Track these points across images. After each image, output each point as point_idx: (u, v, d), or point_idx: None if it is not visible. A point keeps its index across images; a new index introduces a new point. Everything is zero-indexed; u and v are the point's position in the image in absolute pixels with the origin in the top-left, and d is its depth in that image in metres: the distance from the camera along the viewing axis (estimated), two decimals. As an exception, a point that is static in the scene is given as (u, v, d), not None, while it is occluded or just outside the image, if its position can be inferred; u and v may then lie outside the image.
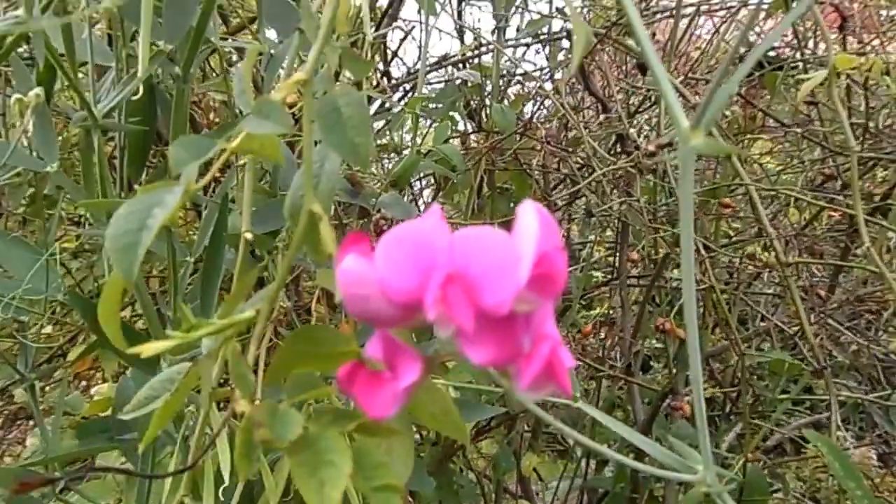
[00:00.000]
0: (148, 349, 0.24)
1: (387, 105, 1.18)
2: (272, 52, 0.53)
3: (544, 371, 0.18)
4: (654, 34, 1.40)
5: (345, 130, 0.24)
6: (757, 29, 1.39)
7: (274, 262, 0.58)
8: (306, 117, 0.24)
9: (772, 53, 1.28)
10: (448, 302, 0.18)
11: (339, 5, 0.25)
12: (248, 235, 0.30)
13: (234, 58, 0.99)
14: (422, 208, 1.40)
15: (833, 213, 1.26)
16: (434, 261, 0.19)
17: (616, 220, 1.12)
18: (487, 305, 0.18)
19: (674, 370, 1.15)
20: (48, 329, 1.05)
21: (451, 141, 1.24)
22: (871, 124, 1.18)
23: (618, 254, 1.13)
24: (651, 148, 0.86)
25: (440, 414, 0.27)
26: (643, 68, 0.88)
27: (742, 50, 1.31)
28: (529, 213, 0.18)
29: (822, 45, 1.41)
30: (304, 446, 0.21)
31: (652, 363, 1.44)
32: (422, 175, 1.34)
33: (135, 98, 0.40)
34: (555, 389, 0.19)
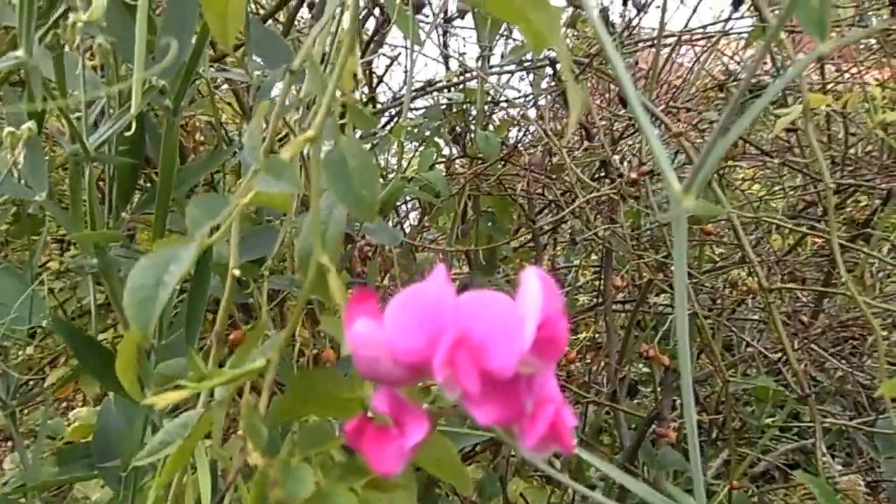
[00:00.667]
0: (162, 400, 0.24)
1: (372, 130, 1.19)
2: (261, 81, 0.53)
3: (549, 432, 0.19)
4: (636, 62, 1.43)
5: (351, 182, 0.25)
6: (736, 58, 1.42)
7: (259, 289, 0.58)
8: (314, 170, 0.24)
9: (752, 80, 1.31)
10: (455, 365, 0.18)
11: (345, 63, 0.25)
12: (237, 272, 0.30)
13: (220, 79, 1.00)
14: (407, 230, 1.40)
15: (817, 239, 1.29)
16: (441, 324, 0.19)
17: (600, 246, 1.13)
18: (493, 368, 0.18)
19: (660, 396, 1.16)
20: (29, 350, 1.04)
21: (436, 166, 1.25)
22: (852, 151, 1.21)
23: (602, 279, 1.15)
24: (633, 176, 0.87)
25: (443, 461, 0.27)
26: (624, 101, 0.90)
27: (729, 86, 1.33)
28: (533, 279, 0.19)
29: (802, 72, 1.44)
30: (316, 502, 0.21)
31: (640, 387, 1.45)
32: (408, 199, 1.35)
33: (126, 136, 0.40)
34: (558, 449, 0.19)
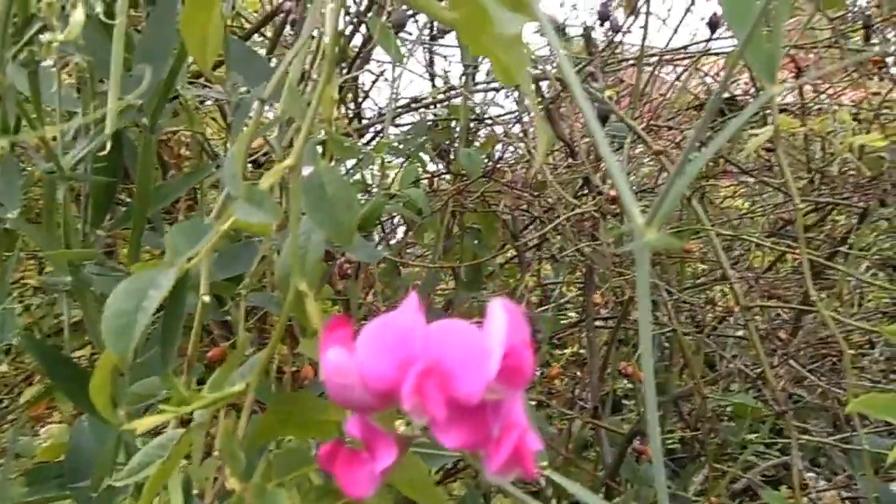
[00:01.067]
0: (140, 425, 0.24)
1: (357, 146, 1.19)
2: (240, 98, 0.53)
3: (512, 457, 0.19)
4: (622, 80, 1.45)
5: (330, 208, 0.25)
6: (718, 76, 1.44)
7: (237, 306, 0.58)
8: (293, 196, 0.24)
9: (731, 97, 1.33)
10: (423, 393, 0.19)
11: (324, 90, 0.26)
12: (206, 299, 0.29)
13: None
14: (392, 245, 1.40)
15: (798, 256, 1.30)
16: (411, 352, 0.20)
17: (583, 263, 1.14)
18: (460, 396, 0.19)
19: (642, 412, 1.16)
20: (3, 367, 1.02)
21: (420, 182, 1.26)
22: (830, 169, 1.23)
23: (585, 296, 1.15)
24: (613, 193, 0.88)
25: (417, 481, 0.27)
26: (604, 120, 0.91)
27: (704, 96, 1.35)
28: (499, 311, 0.19)
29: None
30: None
31: (624, 402, 1.45)
32: (394, 214, 1.35)
33: (102, 154, 0.40)
34: (521, 473, 0.20)
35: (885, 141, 0.60)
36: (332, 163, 0.26)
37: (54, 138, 0.41)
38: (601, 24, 0.91)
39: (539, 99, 1.21)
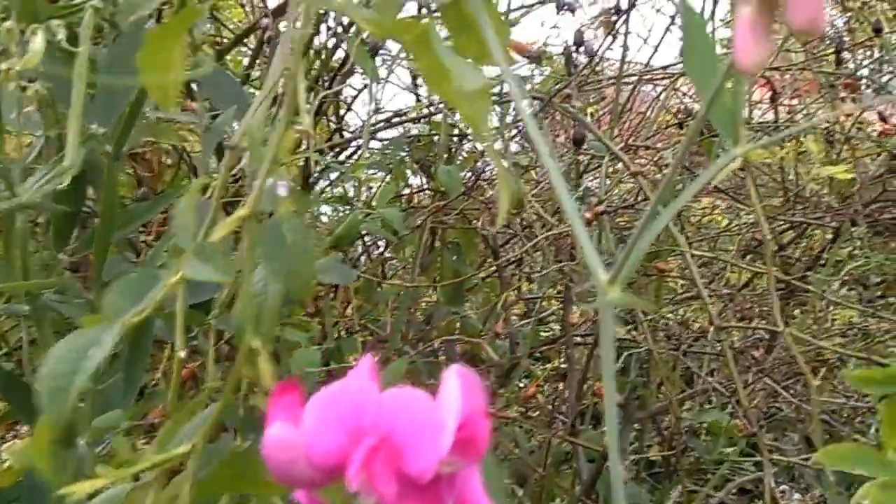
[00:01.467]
0: (78, 489, 0.23)
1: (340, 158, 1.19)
2: (209, 124, 0.53)
3: None
4: (603, 97, 1.46)
5: (288, 258, 0.24)
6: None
7: (206, 335, 0.57)
8: (247, 247, 0.24)
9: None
10: (371, 471, 0.18)
11: (284, 136, 0.25)
12: (182, 354, 0.28)
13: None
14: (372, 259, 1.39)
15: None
16: (360, 425, 0.19)
17: (562, 280, 1.14)
18: (411, 472, 0.18)
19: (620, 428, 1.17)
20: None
21: (402, 196, 1.25)
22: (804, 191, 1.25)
23: (563, 313, 1.15)
24: (588, 216, 0.88)
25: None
26: (578, 142, 0.91)
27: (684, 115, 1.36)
28: (453, 379, 0.19)
29: (756, 112, 1.49)
30: None
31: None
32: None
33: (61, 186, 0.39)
34: None
35: (850, 174, 0.61)
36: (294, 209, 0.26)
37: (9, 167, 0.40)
38: (576, 51, 0.91)
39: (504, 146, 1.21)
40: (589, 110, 1.48)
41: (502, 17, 0.30)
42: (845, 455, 0.33)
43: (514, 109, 1.29)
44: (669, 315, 1.22)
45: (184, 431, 0.24)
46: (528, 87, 1.21)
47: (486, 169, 1.37)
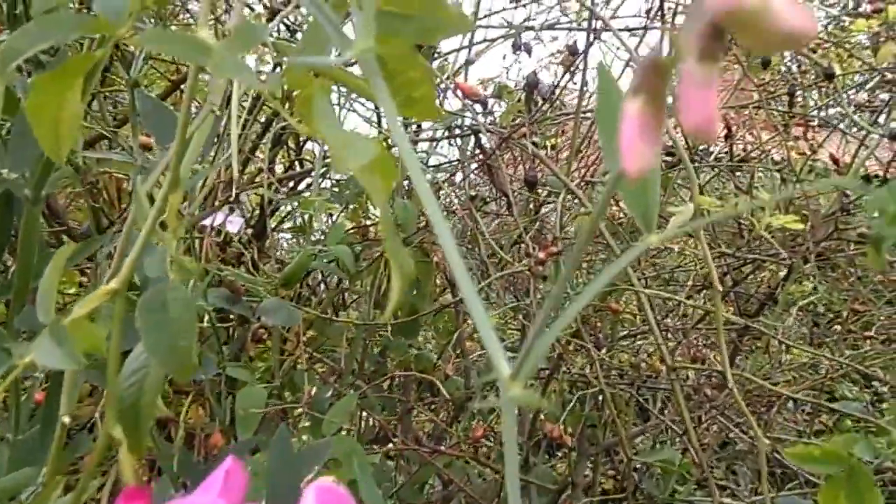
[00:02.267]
0: None
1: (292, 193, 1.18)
2: (142, 167, 0.52)
3: None
4: (563, 131, 1.47)
5: (168, 331, 0.23)
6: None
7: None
8: (116, 326, 0.23)
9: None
10: None
11: (169, 200, 0.24)
12: (66, 420, 0.27)
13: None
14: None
15: (728, 306, 1.34)
16: None
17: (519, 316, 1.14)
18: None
19: (574, 463, 1.16)
20: None
21: (360, 228, 1.24)
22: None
23: (520, 345, 1.15)
24: (541, 256, 0.89)
25: None
26: (531, 185, 0.92)
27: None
28: (310, 498, 0.18)
29: (716, 147, 1.52)
30: None
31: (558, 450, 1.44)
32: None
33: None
34: None
35: (801, 224, 0.62)
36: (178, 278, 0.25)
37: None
38: (530, 93, 0.92)
39: (477, 150, 1.22)
40: (549, 142, 1.49)
41: (429, 73, 0.29)
42: (811, 455, 0.33)
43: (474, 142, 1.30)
44: (625, 352, 1.23)
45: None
46: (489, 120, 1.22)
47: (446, 200, 1.37)
